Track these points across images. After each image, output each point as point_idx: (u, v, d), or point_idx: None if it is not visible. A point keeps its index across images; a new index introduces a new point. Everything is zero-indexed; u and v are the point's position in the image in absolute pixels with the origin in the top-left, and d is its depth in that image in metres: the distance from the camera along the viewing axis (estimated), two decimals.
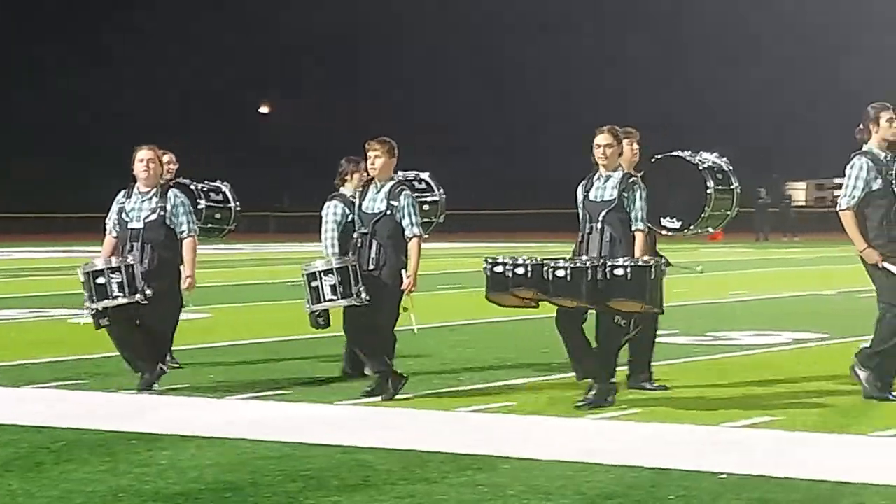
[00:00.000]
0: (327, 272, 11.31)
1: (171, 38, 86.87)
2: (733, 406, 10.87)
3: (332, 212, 12.41)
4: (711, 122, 74.71)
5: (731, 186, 12.05)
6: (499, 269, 10.86)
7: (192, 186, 14.24)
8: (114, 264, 11.65)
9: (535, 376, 12.67)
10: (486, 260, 11.02)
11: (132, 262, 11.69)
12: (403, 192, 11.58)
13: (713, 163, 12.04)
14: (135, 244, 11.91)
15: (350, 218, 12.23)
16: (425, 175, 13.84)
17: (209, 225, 14.40)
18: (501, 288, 10.92)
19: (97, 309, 11.62)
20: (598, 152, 11.11)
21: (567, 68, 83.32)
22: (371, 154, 11.62)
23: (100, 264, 11.68)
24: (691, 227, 11.98)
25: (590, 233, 11.03)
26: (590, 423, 10.26)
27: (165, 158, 13.27)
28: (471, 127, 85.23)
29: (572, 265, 10.60)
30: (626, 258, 10.70)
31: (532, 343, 14.77)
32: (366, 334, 11.44)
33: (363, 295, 11.27)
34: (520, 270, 10.78)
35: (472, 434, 9.88)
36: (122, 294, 11.54)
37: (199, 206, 14.07)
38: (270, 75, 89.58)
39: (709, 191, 11.82)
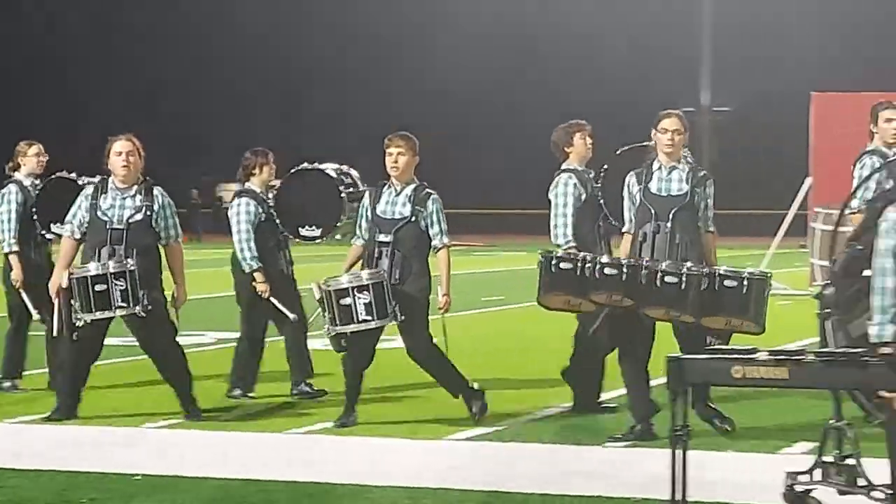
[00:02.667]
0: (361, 289, 9.86)
1: None
2: (154, 407, 10.83)
3: (243, 210, 11.25)
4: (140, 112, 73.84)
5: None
6: (567, 265, 9.31)
7: (81, 181, 11.95)
8: (113, 269, 10.05)
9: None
10: (545, 255, 9.50)
11: (133, 268, 10.08)
12: (432, 197, 10.22)
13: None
14: (116, 248, 10.20)
15: (263, 217, 11.26)
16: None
17: None
18: (572, 289, 9.37)
19: (87, 322, 10.11)
20: (664, 139, 9.64)
21: None
22: (393, 151, 10.20)
23: (95, 269, 10.08)
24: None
25: (656, 232, 9.44)
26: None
27: (33, 150, 11.93)
28: None
29: (685, 271, 9.08)
30: (732, 268, 9.33)
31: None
32: (428, 360, 10.19)
33: (399, 315, 9.95)
34: (611, 271, 9.19)
35: None
36: (125, 304, 10.04)
37: None
38: None
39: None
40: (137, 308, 10.07)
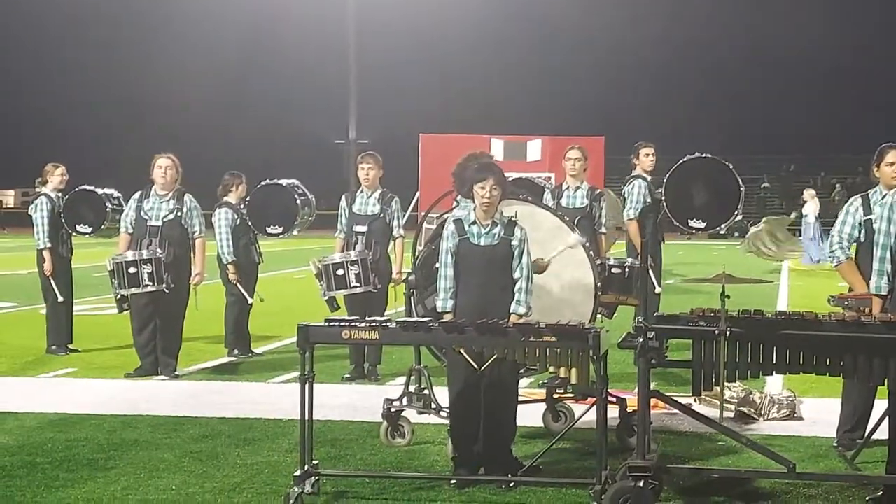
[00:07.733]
0: (353, 262, 12.45)
1: None
2: None
3: (224, 217, 14.27)
4: None
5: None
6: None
7: (98, 192, 14.62)
8: (146, 256, 12.54)
9: None
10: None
11: (161, 256, 12.61)
12: (394, 199, 13.03)
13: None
14: (154, 240, 12.75)
15: (238, 222, 14.07)
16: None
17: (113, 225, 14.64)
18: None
19: (123, 295, 12.48)
20: (568, 165, 13.14)
21: None
22: (365, 167, 12.94)
23: (131, 256, 12.56)
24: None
25: None
26: None
27: (59, 171, 14.09)
28: None
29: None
30: (618, 258, 10.85)
31: None
32: None
33: (378, 284, 12.53)
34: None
35: None
36: (151, 283, 12.54)
37: (107, 209, 14.44)
38: None
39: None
40: (163, 286, 12.66)
